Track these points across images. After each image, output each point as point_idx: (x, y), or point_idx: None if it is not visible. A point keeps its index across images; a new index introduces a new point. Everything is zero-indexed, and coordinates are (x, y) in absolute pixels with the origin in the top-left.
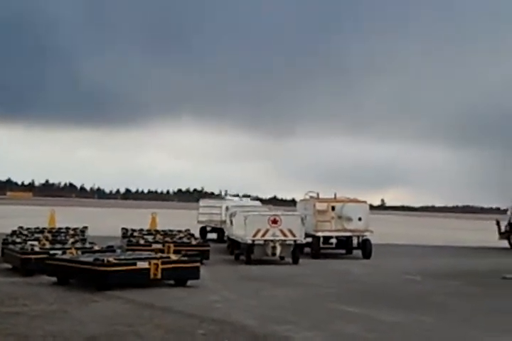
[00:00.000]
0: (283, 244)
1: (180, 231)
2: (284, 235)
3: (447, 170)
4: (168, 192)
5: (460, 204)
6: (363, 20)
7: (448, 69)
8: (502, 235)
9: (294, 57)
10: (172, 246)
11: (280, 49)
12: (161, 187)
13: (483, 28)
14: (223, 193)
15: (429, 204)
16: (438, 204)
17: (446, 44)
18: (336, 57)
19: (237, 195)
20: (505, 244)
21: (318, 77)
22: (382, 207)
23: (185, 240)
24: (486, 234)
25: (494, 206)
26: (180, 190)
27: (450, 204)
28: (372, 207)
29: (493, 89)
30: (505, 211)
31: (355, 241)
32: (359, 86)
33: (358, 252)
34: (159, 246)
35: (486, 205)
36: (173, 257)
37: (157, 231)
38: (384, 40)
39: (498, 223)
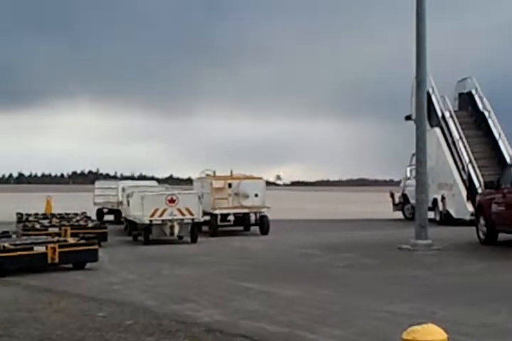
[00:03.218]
0: (181, 223)
1: (76, 214)
2: (182, 214)
3: (340, 144)
4: (62, 175)
5: (354, 177)
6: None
7: (334, 45)
8: (396, 206)
9: (181, 37)
10: (69, 230)
11: (168, 29)
12: (55, 170)
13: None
14: (118, 175)
15: (324, 178)
16: (332, 178)
17: (329, 20)
18: (220, 36)
19: (133, 177)
20: (399, 215)
21: (205, 57)
22: (278, 183)
23: (81, 223)
24: (380, 206)
25: (388, 178)
26: (75, 173)
27: (344, 178)
28: (268, 183)
29: (377, 64)
30: (398, 183)
31: (252, 217)
32: (246, 64)
33: (255, 228)
34: (56, 229)
35: (379, 177)
36: (71, 240)
37: (53, 215)
38: (267, 18)
39: (392, 195)
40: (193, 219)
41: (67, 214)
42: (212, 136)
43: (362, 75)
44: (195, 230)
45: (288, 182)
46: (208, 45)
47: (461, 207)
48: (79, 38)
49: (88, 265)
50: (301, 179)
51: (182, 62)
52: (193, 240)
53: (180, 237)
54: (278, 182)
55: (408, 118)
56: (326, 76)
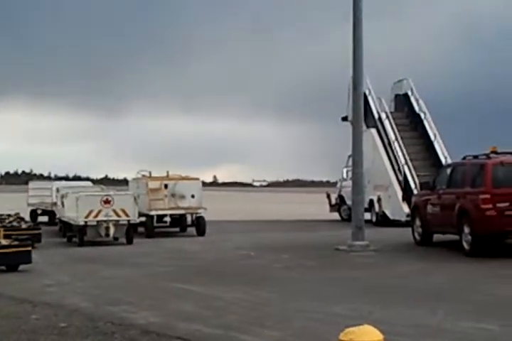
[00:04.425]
0: (116, 224)
1: (9, 215)
2: (117, 215)
3: (276, 145)
4: None
5: (290, 178)
6: None
7: (274, 49)
8: (332, 207)
9: (123, 35)
10: (2, 231)
11: (100, 26)
12: None
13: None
14: (53, 175)
15: (261, 178)
16: (269, 178)
17: (274, 23)
18: (162, 36)
19: (67, 178)
20: (336, 216)
21: (149, 55)
22: (215, 184)
23: (14, 224)
24: (317, 207)
25: (324, 179)
26: (7, 173)
27: (281, 179)
28: (205, 184)
29: (318, 64)
30: (335, 184)
31: (189, 218)
32: (189, 64)
33: (192, 230)
34: None
35: (316, 178)
36: (3, 242)
37: None
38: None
39: (328, 196)
40: (128, 220)
41: (0, 215)
42: (148, 137)
43: (303, 75)
44: (131, 231)
45: (265, 183)
46: (153, 44)
47: (397, 208)
48: (17, 38)
49: (21, 267)
50: (238, 180)
51: (125, 61)
52: (129, 241)
53: (115, 238)
54: (255, 183)
55: (345, 119)
56: (267, 75)
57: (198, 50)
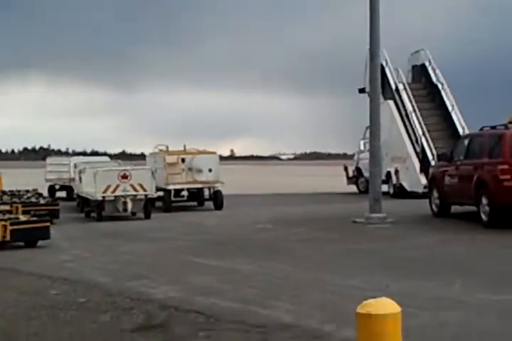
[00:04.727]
0: (134, 199)
1: (27, 191)
2: (135, 190)
3: (294, 117)
4: (13, 151)
5: (308, 151)
6: None
7: (287, 23)
8: (350, 180)
9: (135, 13)
10: (20, 207)
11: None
12: (5, 147)
13: None
14: (70, 151)
15: (276, 152)
16: (286, 152)
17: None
18: (175, 15)
19: (85, 153)
20: (353, 188)
21: (162, 34)
22: (232, 158)
23: (33, 200)
24: (334, 179)
25: (341, 152)
26: (26, 149)
27: (298, 152)
28: (222, 157)
29: (333, 35)
30: (352, 156)
31: (206, 192)
32: (201, 43)
33: (209, 204)
34: (7, 207)
35: (333, 151)
36: (22, 218)
37: (3, 192)
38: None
39: (345, 168)
40: (146, 195)
41: (18, 191)
42: (165, 112)
43: (318, 47)
44: (149, 206)
45: (291, 156)
46: (165, 23)
47: (415, 180)
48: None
49: (40, 242)
50: (255, 153)
51: (136, 39)
52: (147, 216)
53: (133, 213)
54: (282, 157)
55: (362, 91)
56: (281, 48)
57: (210, 26)
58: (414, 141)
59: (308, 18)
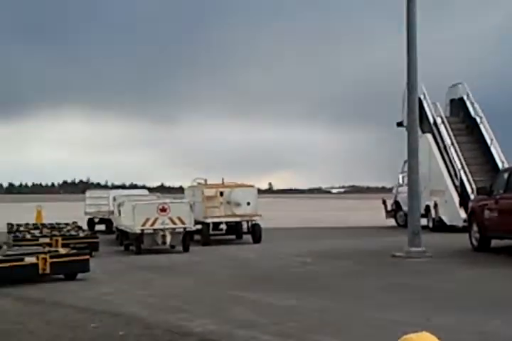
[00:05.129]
0: (173, 232)
1: (67, 224)
2: (174, 223)
3: (331, 151)
4: (53, 184)
5: (346, 184)
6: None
7: (321, 58)
8: (388, 214)
9: (171, 46)
10: (60, 240)
11: (155, 38)
12: (45, 180)
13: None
14: (109, 184)
15: (316, 186)
16: (325, 185)
17: (319, 39)
18: (215, 46)
19: (124, 186)
20: (392, 222)
21: (200, 66)
22: (271, 191)
23: (72, 233)
24: (373, 213)
25: (380, 185)
26: (65, 182)
27: (336, 185)
28: (260, 191)
29: (368, 73)
30: (390, 189)
31: (244, 226)
32: (239, 74)
33: (248, 237)
34: (47, 240)
35: (371, 184)
36: (62, 251)
37: (44, 225)
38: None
39: (384, 202)
40: (184, 228)
41: (58, 223)
42: (203, 145)
43: (357, 81)
44: (187, 239)
45: (342, 190)
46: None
47: (454, 214)
48: (67, 48)
49: (80, 275)
50: (293, 186)
51: (177, 72)
52: (185, 249)
53: (172, 246)
54: (333, 190)
55: (400, 124)
56: (317, 82)
57: (245, 59)
58: (453, 174)
59: (351, 48)
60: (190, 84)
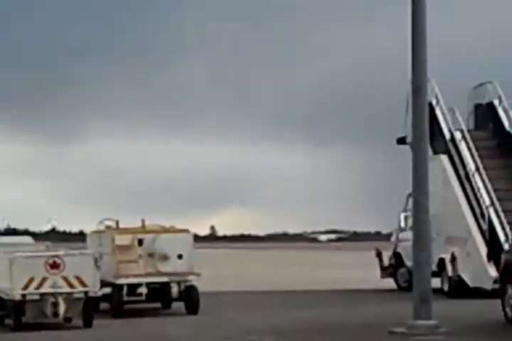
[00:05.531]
0: (68, 298)
1: None
2: (70, 285)
3: (303, 181)
4: None
5: (323, 228)
6: None
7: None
8: (385, 271)
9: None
10: None
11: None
12: None
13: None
14: None
15: (280, 230)
16: (293, 230)
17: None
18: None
19: None
20: (389, 283)
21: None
22: (213, 238)
23: None
24: (362, 269)
25: (372, 230)
26: None
27: (310, 230)
28: (198, 238)
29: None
30: (387, 236)
31: (174, 289)
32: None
33: (179, 305)
34: None
35: (360, 229)
36: None
37: None
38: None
39: (378, 254)
40: (86, 293)
41: None
42: (115, 169)
43: (336, 82)
44: (90, 309)
45: (333, 237)
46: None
47: (480, 271)
48: None
49: None
50: (248, 231)
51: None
52: (87, 323)
53: (68, 319)
54: (321, 238)
55: (401, 141)
56: (282, 86)
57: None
58: (479, 214)
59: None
60: (93, 83)
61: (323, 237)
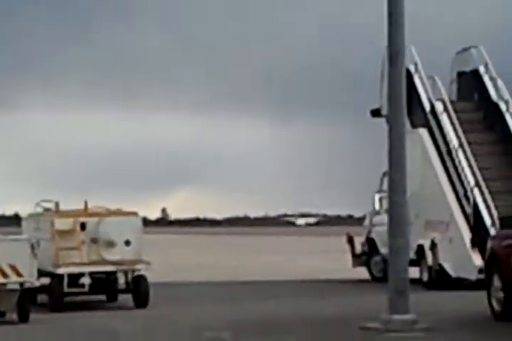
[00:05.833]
0: (1, 289)
1: None
2: (4, 275)
3: (266, 159)
4: None
5: (289, 211)
6: None
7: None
8: (357, 259)
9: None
10: None
11: None
12: None
13: None
14: None
15: (240, 214)
16: (254, 213)
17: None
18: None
19: None
20: (362, 272)
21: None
22: (165, 222)
23: None
24: (331, 257)
25: (344, 213)
26: None
27: (273, 213)
28: (147, 222)
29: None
30: (360, 220)
31: (121, 279)
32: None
33: (126, 298)
34: None
35: (330, 212)
36: None
37: None
38: None
39: (350, 239)
40: (21, 284)
41: None
42: (55, 144)
43: (305, 50)
44: (26, 302)
45: (312, 221)
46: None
47: (463, 260)
48: None
49: None
50: (204, 215)
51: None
52: (23, 318)
53: (1, 313)
54: (298, 221)
55: (376, 113)
56: (246, 50)
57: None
58: (463, 195)
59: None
60: (34, 42)
61: (301, 221)
